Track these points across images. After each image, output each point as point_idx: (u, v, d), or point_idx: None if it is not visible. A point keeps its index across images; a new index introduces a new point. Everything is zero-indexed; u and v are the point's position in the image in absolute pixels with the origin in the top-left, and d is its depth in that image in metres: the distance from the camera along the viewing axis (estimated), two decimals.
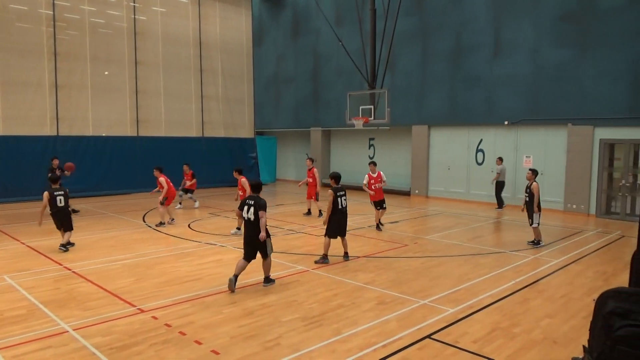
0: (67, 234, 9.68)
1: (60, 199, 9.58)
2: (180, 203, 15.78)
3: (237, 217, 8.61)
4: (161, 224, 12.42)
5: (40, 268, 8.34)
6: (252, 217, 7.24)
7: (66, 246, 9.61)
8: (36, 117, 17.35)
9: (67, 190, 9.99)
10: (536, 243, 10.49)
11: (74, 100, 18.17)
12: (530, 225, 10.42)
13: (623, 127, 14.21)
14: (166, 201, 12.46)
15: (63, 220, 9.63)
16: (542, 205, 15.90)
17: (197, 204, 15.80)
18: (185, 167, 15.85)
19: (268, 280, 7.55)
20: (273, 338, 5.45)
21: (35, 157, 17.04)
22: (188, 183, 15.73)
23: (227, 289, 7.07)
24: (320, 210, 14.16)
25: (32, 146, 17.13)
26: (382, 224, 12.50)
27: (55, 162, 14.10)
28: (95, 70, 18.67)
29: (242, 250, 7.41)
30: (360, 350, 5.14)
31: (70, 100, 18.10)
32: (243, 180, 11.50)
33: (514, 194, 16.78)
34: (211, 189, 20.71)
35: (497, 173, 16.48)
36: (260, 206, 7.24)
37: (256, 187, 7.72)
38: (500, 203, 16.55)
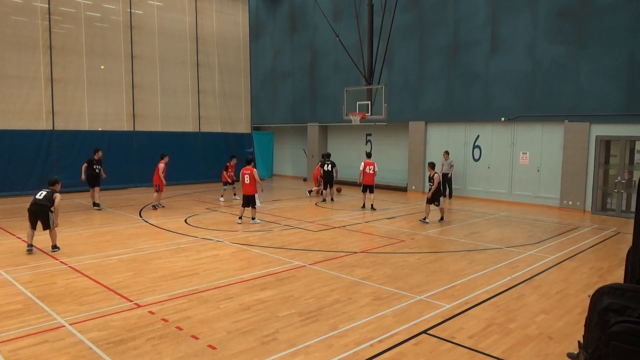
0: (53, 235, 9.06)
1: (41, 194, 8.92)
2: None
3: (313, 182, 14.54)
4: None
5: (36, 263, 8.32)
6: (330, 169, 16.13)
7: (55, 248, 9.12)
8: (31, 111, 17.23)
9: (58, 194, 9.05)
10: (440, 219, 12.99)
11: (69, 94, 18.06)
12: (437, 206, 12.87)
13: (619, 124, 14.26)
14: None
15: (42, 219, 8.84)
16: (539, 202, 16.40)
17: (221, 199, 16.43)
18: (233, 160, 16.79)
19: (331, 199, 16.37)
20: (270, 333, 5.46)
21: (30, 152, 17.01)
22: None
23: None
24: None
25: (28, 140, 17.02)
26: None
27: (99, 154, 14.90)
28: (91, 64, 18.55)
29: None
30: (357, 345, 5.16)
31: (66, 95, 17.99)
32: (254, 171, 12.23)
33: (510, 190, 16.85)
34: (207, 184, 20.69)
35: (451, 166, 17.42)
36: (334, 165, 16.37)
37: (327, 155, 16.39)
38: (449, 194, 17.72)
